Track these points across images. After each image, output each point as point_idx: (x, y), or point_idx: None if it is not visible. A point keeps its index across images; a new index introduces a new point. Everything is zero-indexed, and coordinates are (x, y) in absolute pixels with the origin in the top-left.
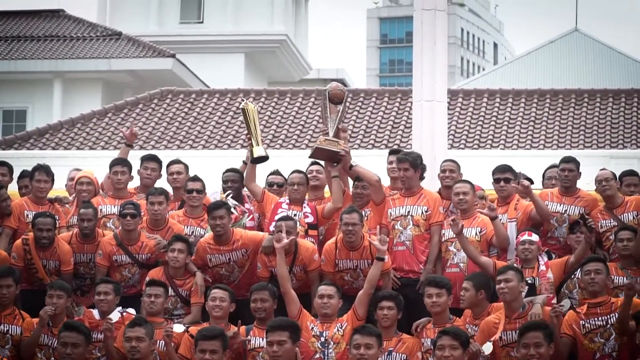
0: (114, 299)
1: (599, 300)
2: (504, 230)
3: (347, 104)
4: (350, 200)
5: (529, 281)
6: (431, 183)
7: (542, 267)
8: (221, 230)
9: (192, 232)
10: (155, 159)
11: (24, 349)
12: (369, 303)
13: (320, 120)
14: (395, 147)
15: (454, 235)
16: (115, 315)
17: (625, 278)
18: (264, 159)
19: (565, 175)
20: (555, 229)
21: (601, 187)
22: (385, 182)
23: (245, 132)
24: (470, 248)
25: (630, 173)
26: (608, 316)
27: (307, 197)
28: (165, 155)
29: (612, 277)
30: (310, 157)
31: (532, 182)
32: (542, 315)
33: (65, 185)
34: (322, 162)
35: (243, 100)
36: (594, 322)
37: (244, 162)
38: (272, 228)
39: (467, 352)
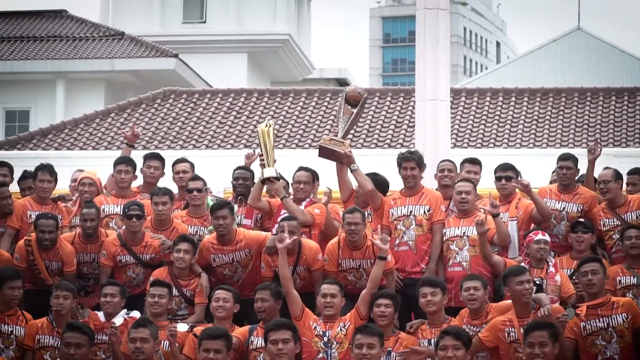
0: (120, 302)
1: (599, 301)
2: (505, 228)
3: (363, 107)
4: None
5: (538, 282)
6: (432, 182)
7: (552, 269)
8: (224, 230)
9: (196, 231)
10: (158, 157)
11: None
12: (370, 303)
13: (323, 119)
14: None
15: (455, 234)
16: (119, 320)
17: (632, 278)
18: (274, 179)
19: (563, 173)
20: (554, 226)
21: (600, 188)
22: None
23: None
24: (488, 248)
25: (634, 171)
26: (609, 317)
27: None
28: (169, 155)
29: (619, 278)
30: (319, 156)
31: None
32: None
33: (69, 187)
34: (310, 173)
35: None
36: (594, 323)
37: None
38: (275, 229)
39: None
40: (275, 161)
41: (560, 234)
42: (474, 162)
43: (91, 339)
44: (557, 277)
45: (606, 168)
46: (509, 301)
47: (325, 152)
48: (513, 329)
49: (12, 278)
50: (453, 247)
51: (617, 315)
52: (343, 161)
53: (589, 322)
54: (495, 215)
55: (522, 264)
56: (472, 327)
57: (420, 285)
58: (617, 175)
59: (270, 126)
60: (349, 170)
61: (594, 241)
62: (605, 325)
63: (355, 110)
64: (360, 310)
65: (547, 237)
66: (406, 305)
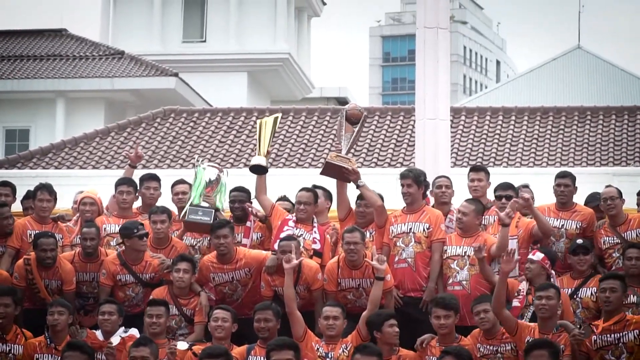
0: (118, 320)
1: (615, 320)
2: (506, 240)
3: (364, 125)
4: (354, 219)
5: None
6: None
7: None
8: (225, 249)
9: (196, 243)
10: (155, 177)
11: None
12: None
13: (323, 138)
14: (406, 165)
15: (456, 253)
16: (115, 339)
17: (632, 296)
18: (261, 169)
19: (561, 191)
20: (552, 244)
21: (606, 205)
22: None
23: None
24: (488, 269)
25: None
26: (620, 333)
27: (316, 221)
28: (168, 175)
29: None
30: (321, 173)
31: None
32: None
33: (72, 208)
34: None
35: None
36: (605, 338)
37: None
38: (276, 246)
39: None
40: (268, 153)
41: (559, 252)
42: (477, 169)
43: (91, 358)
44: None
45: (608, 186)
46: (533, 324)
47: (330, 170)
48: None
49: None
50: (453, 266)
51: (629, 332)
52: (350, 177)
53: (600, 336)
54: (504, 225)
55: (523, 282)
56: (488, 347)
57: (433, 306)
58: (620, 193)
59: (276, 118)
60: (347, 188)
61: (593, 260)
62: (616, 340)
63: (356, 129)
64: (362, 331)
65: (535, 257)
66: (405, 325)
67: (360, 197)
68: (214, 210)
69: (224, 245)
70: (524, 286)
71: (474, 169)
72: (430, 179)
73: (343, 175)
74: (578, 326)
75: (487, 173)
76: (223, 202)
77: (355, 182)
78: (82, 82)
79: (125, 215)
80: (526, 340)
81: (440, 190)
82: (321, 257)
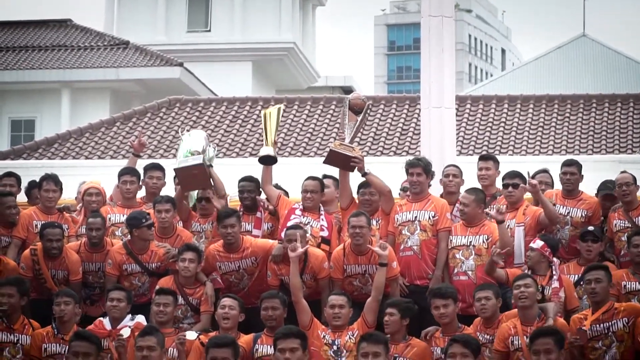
0: (126, 307)
1: (603, 310)
2: (508, 237)
3: (367, 114)
4: (356, 208)
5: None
6: (436, 189)
7: (555, 284)
8: (232, 239)
9: (202, 231)
10: (159, 167)
11: None
12: (377, 310)
13: (329, 127)
14: (412, 154)
15: (461, 243)
16: (126, 332)
17: (637, 283)
18: (270, 159)
19: (567, 179)
20: (557, 231)
21: (621, 191)
22: (396, 191)
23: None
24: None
25: None
26: (610, 322)
27: (323, 209)
28: (173, 165)
29: (624, 282)
30: (324, 162)
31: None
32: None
33: (76, 198)
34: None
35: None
36: (595, 327)
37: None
38: (283, 235)
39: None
40: (275, 143)
41: (564, 239)
42: (486, 158)
43: (99, 348)
44: (560, 293)
45: (623, 172)
46: (512, 312)
47: (333, 158)
48: (517, 337)
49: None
50: (459, 256)
51: (618, 321)
52: (357, 165)
53: (590, 326)
54: (500, 222)
55: (526, 271)
56: (485, 336)
57: (431, 297)
58: (635, 179)
59: (279, 109)
60: (350, 177)
61: (602, 249)
62: (606, 330)
63: (360, 117)
64: (367, 318)
65: (535, 244)
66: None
67: (363, 186)
68: (202, 155)
69: (231, 235)
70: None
71: (483, 157)
72: (435, 167)
73: (347, 163)
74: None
75: (496, 162)
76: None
77: (361, 170)
78: (88, 72)
79: (129, 205)
80: (510, 341)
81: (448, 179)
82: (329, 244)
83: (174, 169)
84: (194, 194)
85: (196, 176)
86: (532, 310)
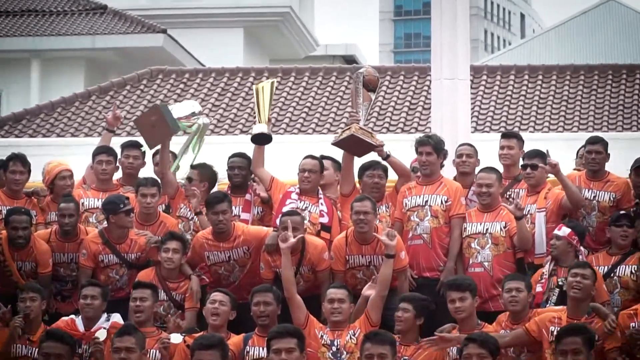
0: (101, 305)
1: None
2: (527, 233)
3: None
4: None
5: (561, 282)
6: (449, 170)
7: None
8: (224, 227)
9: (192, 217)
10: (136, 145)
11: None
12: (382, 306)
13: (329, 101)
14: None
15: (476, 231)
16: (102, 334)
17: None
18: (265, 138)
19: (592, 158)
20: (583, 217)
21: None
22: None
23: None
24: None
25: None
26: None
27: (322, 192)
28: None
29: None
30: (334, 144)
31: None
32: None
33: (43, 180)
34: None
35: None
36: None
37: None
38: (277, 222)
39: None
40: (269, 120)
41: (591, 226)
42: (508, 135)
43: (73, 349)
44: None
45: None
46: (560, 307)
47: (348, 142)
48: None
49: None
50: (474, 245)
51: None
52: (376, 151)
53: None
54: (518, 218)
55: (547, 262)
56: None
57: (446, 289)
58: None
59: (272, 83)
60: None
61: (636, 237)
62: None
63: (374, 96)
64: (371, 315)
65: (560, 232)
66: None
67: (369, 167)
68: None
69: (223, 222)
70: (546, 268)
71: (505, 135)
72: (448, 146)
73: (361, 148)
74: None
75: (520, 140)
76: (196, 151)
77: (381, 155)
78: (60, 40)
79: (105, 187)
80: (550, 331)
81: (461, 160)
82: (330, 231)
83: (134, 121)
84: (178, 163)
85: (156, 124)
86: (584, 304)
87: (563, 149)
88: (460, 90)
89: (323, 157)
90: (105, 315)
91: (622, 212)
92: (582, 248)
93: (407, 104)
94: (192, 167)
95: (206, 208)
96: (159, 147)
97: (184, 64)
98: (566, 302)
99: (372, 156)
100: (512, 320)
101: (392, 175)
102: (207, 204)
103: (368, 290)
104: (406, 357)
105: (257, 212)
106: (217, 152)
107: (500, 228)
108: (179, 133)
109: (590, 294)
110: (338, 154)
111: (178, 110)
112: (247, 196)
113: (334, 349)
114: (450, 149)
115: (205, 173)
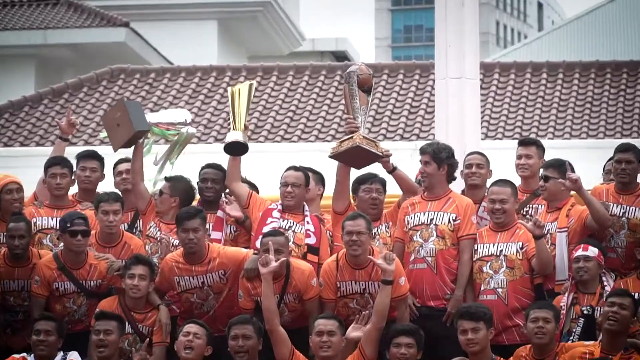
0: (57, 341)
1: None
2: (547, 254)
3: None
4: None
5: (586, 311)
6: (458, 184)
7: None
8: (195, 246)
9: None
10: (94, 155)
11: None
12: (379, 340)
13: (317, 104)
14: (423, 138)
15: (489, 253)
16: None
17: None
18: (239, 147)
19: (622, 169)
20: (611, 237)
21: None
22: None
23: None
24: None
25: None
26: None
27: (308, 209)
28: (118, 152)
29: None
30: (332, 157)
31: None
32: None
33: None
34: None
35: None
36: None
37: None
38: (258, 244)
39: None
40: (246, 127)
41: (620, 247)
42: (527, 143)
43: None
44: None
45: None
46: (592, 342)
47: (350, 154)
48: None
49: None
50: (486, 269)
51: None
52: (381, 162)
53: None
54: (538, 237)
55: (567, 288)
56: None
57: (458, 317)
58: None
59: (250, 86)
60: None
61: None
62: None
63: (370, 99)
64: (365, 350)
65: (589, 252)
66: (424, 343)
67: (365, 181)
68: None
69: (194, 242)
70: (564, 301)
71: (523, 142)
72: (455, 155)
73: (363, 160)
74: None
75: (540, 147)
76: (174, 160)
77: (386, 168)
78: (7, 35)
79: (60, 204)
80: None
81: (470, 171)
82: (317, 254)
83: (101, 117)
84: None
85: (120, 122)
86: (621, 338)
87: (587, 158)
88: (469, 91)
89: (303, 169)
90: (61, 354)
91: None
92: (610, 272)
93: (407, 106)
94: (166, 179)
95: (176, 225)
96: (129, 149)
97: (149, 62)
98: (592, 334)
99: (370, 168)
100: (536, 355)
101: (391, 190)
102: (177, 220)
103: (353, 332)
104: None
105: (230, 230)
106: (188, 162)
107: (517, 249)
108: (159, 141)
109: (628, 327)
110: (317, 164)
111: (161, 115)
112: (219, 213)
113: None
114: (458, 159)
115: (178, 187)
